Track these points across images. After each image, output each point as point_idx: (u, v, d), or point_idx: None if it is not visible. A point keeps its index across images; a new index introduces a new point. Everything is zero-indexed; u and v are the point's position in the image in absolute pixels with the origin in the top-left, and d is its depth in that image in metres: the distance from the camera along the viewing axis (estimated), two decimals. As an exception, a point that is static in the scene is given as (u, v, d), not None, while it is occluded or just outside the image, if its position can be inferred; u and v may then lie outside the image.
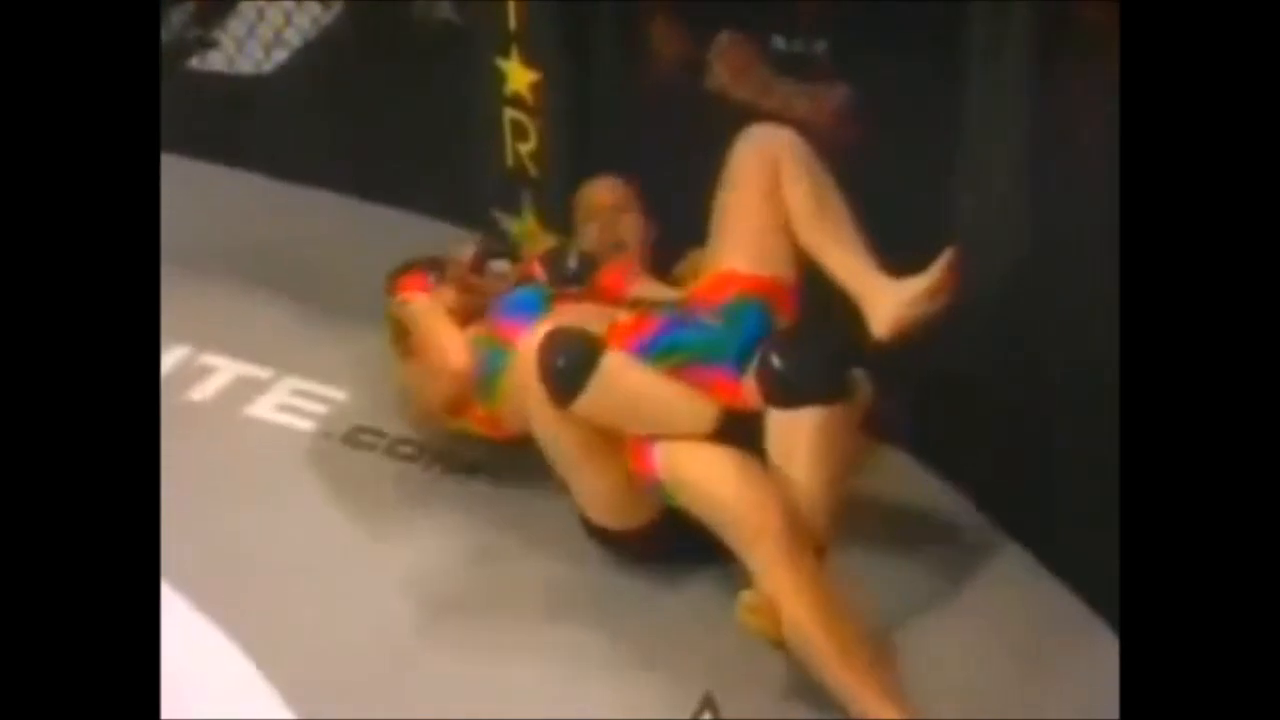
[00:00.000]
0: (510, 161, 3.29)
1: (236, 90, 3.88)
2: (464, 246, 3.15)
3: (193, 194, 3.52)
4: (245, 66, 3.92)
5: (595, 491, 2.73)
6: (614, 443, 2.67)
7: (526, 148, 3.25)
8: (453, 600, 2.78)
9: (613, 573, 2.78)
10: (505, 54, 3.18)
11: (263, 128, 3.76)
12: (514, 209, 3.35)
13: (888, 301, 2.62)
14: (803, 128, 2.87)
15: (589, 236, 3.08)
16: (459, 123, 3.31)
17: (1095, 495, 2.32)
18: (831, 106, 3.14)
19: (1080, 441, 2.61)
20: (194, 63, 3.98)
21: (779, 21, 3.17)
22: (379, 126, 3.57)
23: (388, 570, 2.83)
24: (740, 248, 2.81)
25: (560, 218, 3.26)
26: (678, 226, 3.05)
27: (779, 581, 2.49)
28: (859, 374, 2.68)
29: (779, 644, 2.51)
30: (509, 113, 3.23)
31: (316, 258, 3.46)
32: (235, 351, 3.27)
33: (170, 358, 3.22)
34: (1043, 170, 2.68)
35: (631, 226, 3.08)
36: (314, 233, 3.54)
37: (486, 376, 2.90)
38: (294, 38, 3.87)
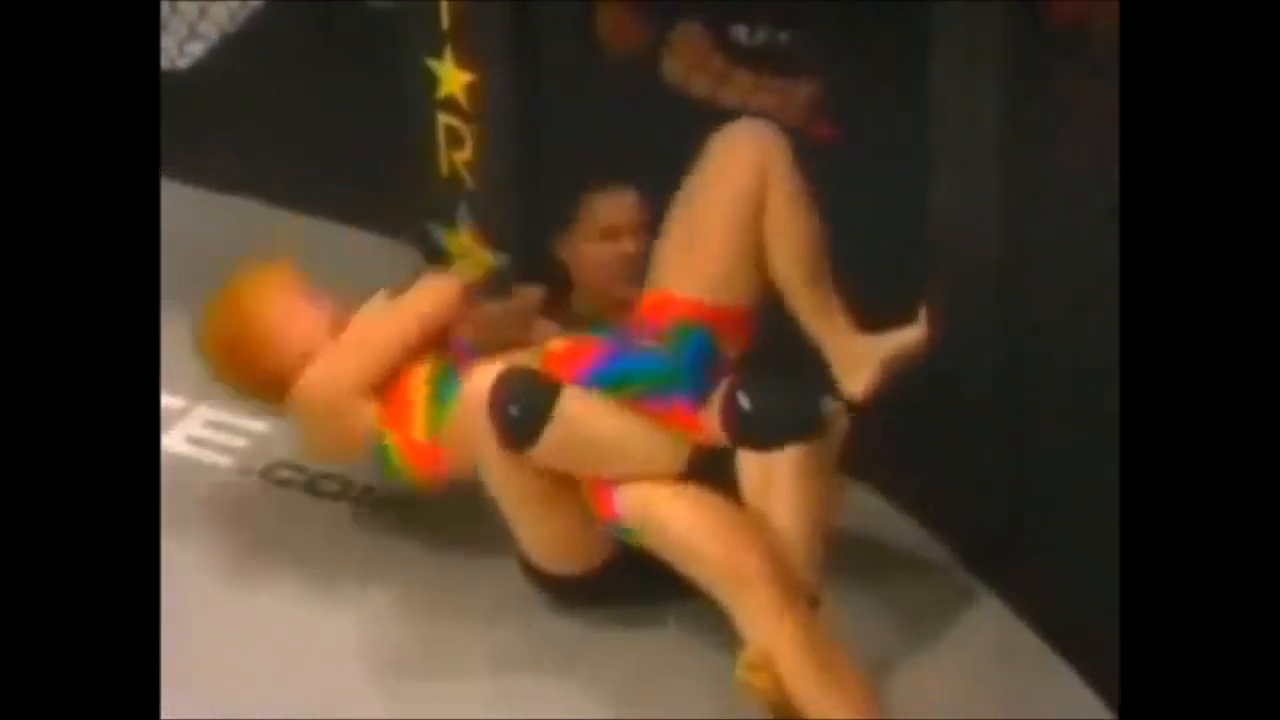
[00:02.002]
0: (445, 171, 3.13)
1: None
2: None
3: None
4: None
5: (546, 537, 2.58)
6: (569, 485, 2.53)
7: (462, 156, 3.09)
8: (387, 658, 2.62)
9: (560, 619, 2.63)
10: (438, 55, 3.02)
11: (175, 128, 3.50)
12: (448, 222, 3.17)
13: (862, 362, 2.56)
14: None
15: (596, 259, 2.80)
16: (389, 128, 3.14)
17: (1072, 539, 2.32)
18: (799, 101, 3.01)
19: (1063, 478, 2.55)
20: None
21: (739, 12, 3.06)
22: (303, 129, 3.42)
23: (314, 625, 2.67)
24: (695, 272, 2.68)
25: (500, 231, 3.11)
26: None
27: (773, 633, 2.36)
28: (833, 404, 2.54)
29: (783, 705, 2.34)
30: (442, 118, 3.07)
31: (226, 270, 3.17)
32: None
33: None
34: (1020, 167, 2.59)
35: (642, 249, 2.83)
36: (231, 245, 3.24)
37: (436, 403, 2.68)
38: (210, 31, 3.63)
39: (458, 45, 2.98)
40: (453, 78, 3.00)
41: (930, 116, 2.60)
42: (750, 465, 2.51)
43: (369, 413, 2.67)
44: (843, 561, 2.55)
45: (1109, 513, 1.84)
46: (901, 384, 2.61)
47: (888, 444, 2.70)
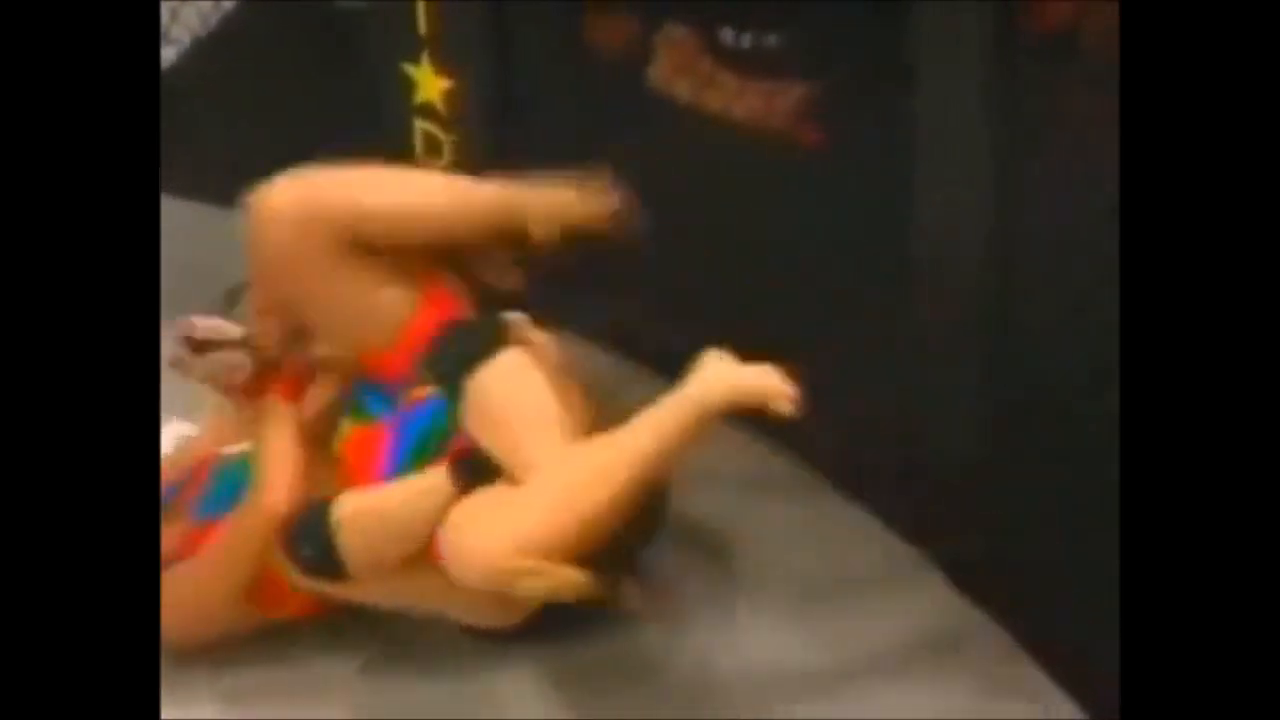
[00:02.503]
0: None
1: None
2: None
3: None
4: None
5: (458, 604, 2.40)
6: (426, 559, 2.34)
7: (439, 164, 3.01)
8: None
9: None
10: (414, 59, 2.93)
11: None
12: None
13: (555, 206, 2.47)
14: (753, 128, 2.76)
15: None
16: (365, 134, 3.00)
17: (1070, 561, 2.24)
18: (787, 106, 2.94)
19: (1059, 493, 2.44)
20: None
21: (728, 13, 2.99)
22: (276, 135, 3.30)
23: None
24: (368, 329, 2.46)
25: None
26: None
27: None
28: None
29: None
30: (420, 124, 3.00)
31: (203, 282, 2.99)
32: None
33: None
34: (1007, 175, 2.51)
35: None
36: (202, 254, 3.15)
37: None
38: (182, 35, 3.53)
39: (435, 50, 2.90)
40: (430, 83, 2.92)
41: (916, 123, 2.53)
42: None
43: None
44: (837, 583, 2.48)
45: (1107, 528, 1.77)
46: (890, 400, 2.52)
47: (883, 461, 2.63)
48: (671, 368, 2.85)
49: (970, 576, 2.56)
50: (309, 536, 2.33)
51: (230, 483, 2.50)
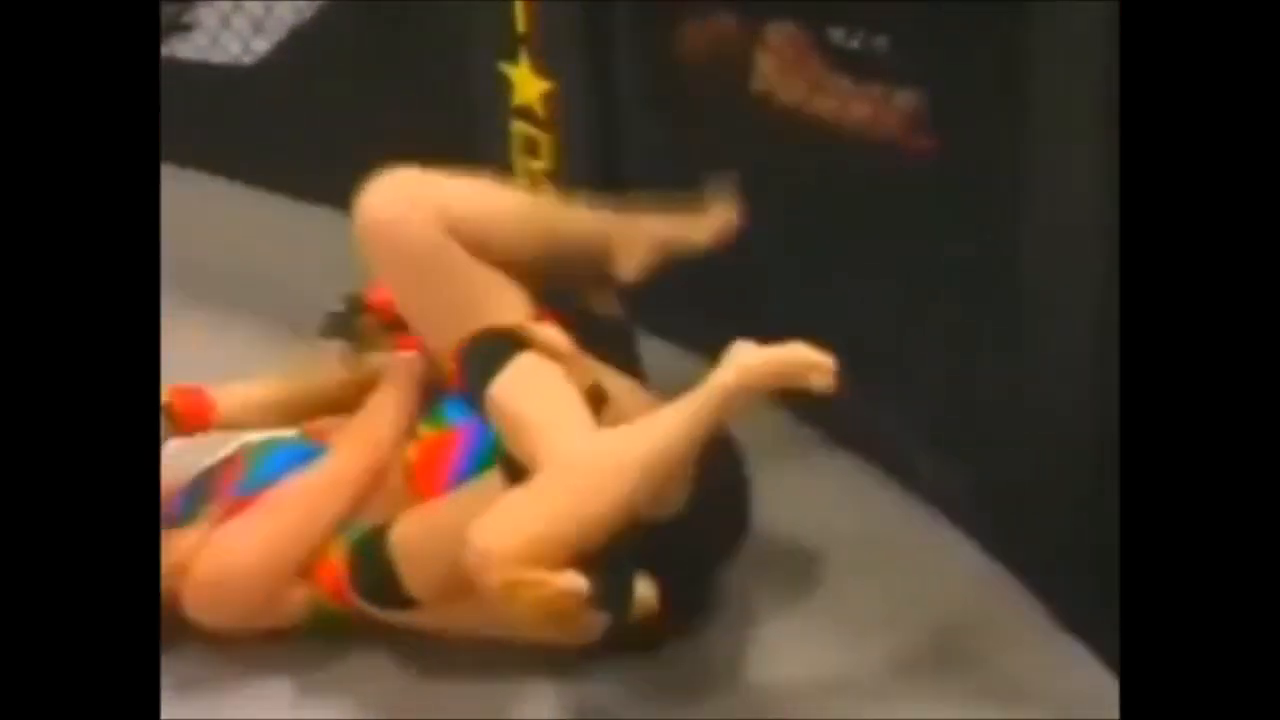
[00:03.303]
0: (522, 178, 2.96)
1: (212, 83, 3.48)
2: None
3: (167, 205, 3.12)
4: (222, 55, 3.54)
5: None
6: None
7: (538, 165, 2.91)
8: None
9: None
10: (512, 59, 2.84)
11: (239, 128, 3.37)
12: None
13: (638, 244, 2.42)
14: (862, 135, 2.69)
15: None
16: (461, 131, 2.93)
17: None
18: (899, 112, 2.83)
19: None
20: (166, 49, 3.62)
21: (838, 11, 2.89)
22: (373, 133, 3.20)
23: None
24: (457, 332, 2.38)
25: None
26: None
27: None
28: None
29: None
30: (518, 126, 2.90)
31: (295, 281, 3.08)
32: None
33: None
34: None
35: None
36: (297, 253, 3.18)
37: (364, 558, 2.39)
38: (277, 27, 3.50)
39: (533, 50, 2.82)
40: (528, 85, 2.84)
41: (1031, 129, 2.41)
42: None
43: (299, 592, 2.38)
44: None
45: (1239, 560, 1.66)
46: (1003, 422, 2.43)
47: (995, 484, 2.53)
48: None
49: (1077, 611, 2.46)
50: (368, 565, 2.29)
51: (271, 462, 2.46)
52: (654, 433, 2.18)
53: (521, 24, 2.78)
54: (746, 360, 2.23)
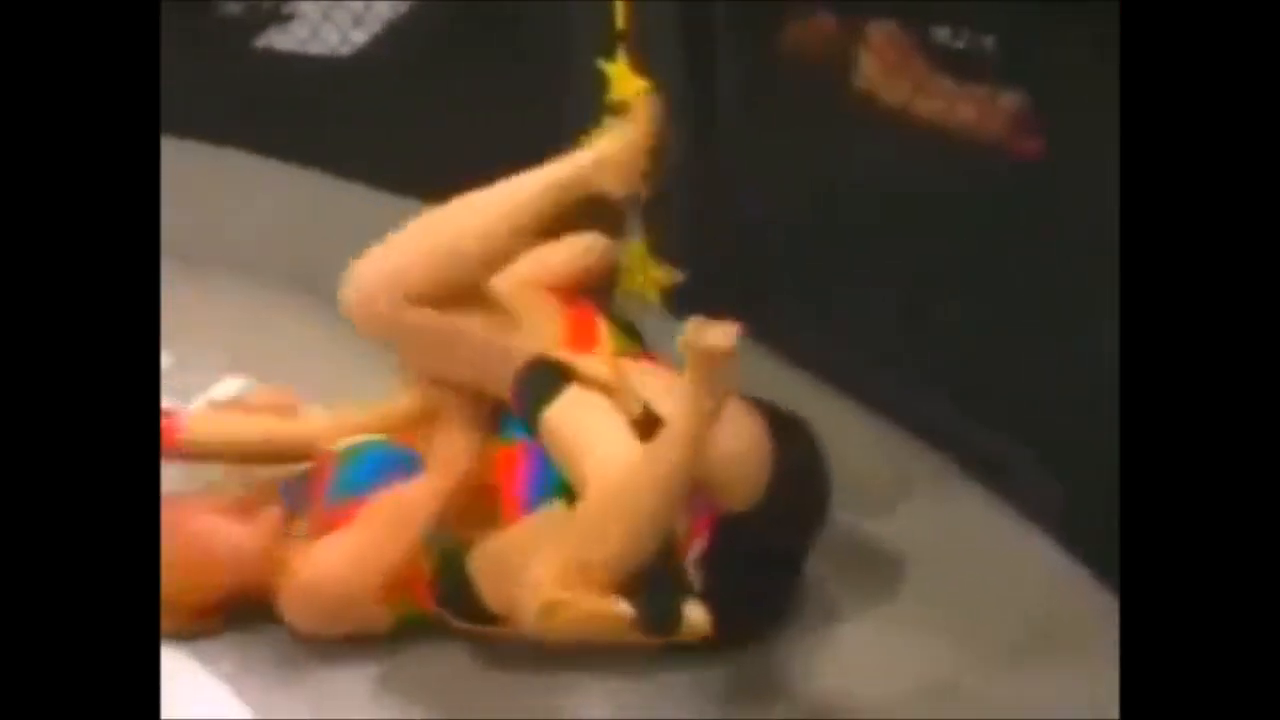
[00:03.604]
0: None
1: (308, 76, 3.47)
2: None
3: (252, 196, 3.12)
4: (320, 47, 3.53)
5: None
6: None
7: None
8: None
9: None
10: (609, 55, 2.79)
11: (335, 121, 3.36)
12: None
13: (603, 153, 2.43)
14: (967, 137, 2.65)
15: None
16: (557, 130, 2.88)
17: None
18: (1004, 113, 2.77)
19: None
20: (264, 40, 3.58)
21: (942, 10, 2.83)
22: (465, 128, 3.20)
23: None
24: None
25: (672, 245, 2.89)
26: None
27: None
28: None
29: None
30: (611, 122, 2.81)
31: None
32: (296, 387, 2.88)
33: (223, 390, 2.91)
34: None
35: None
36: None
37: (446, 574, 2.43)
38: (375, 20, 3.49)
39: (631, 47, 2.76)
40: (625, 81, 2.78)
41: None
42: None
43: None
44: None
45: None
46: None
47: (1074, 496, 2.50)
48: (861, 389, 2.75)
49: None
50: (451, 581, 2.31)
51: (359, 468, 2.47)
52: (670, 445, 2.18)
53: (620, 20, 2.75)
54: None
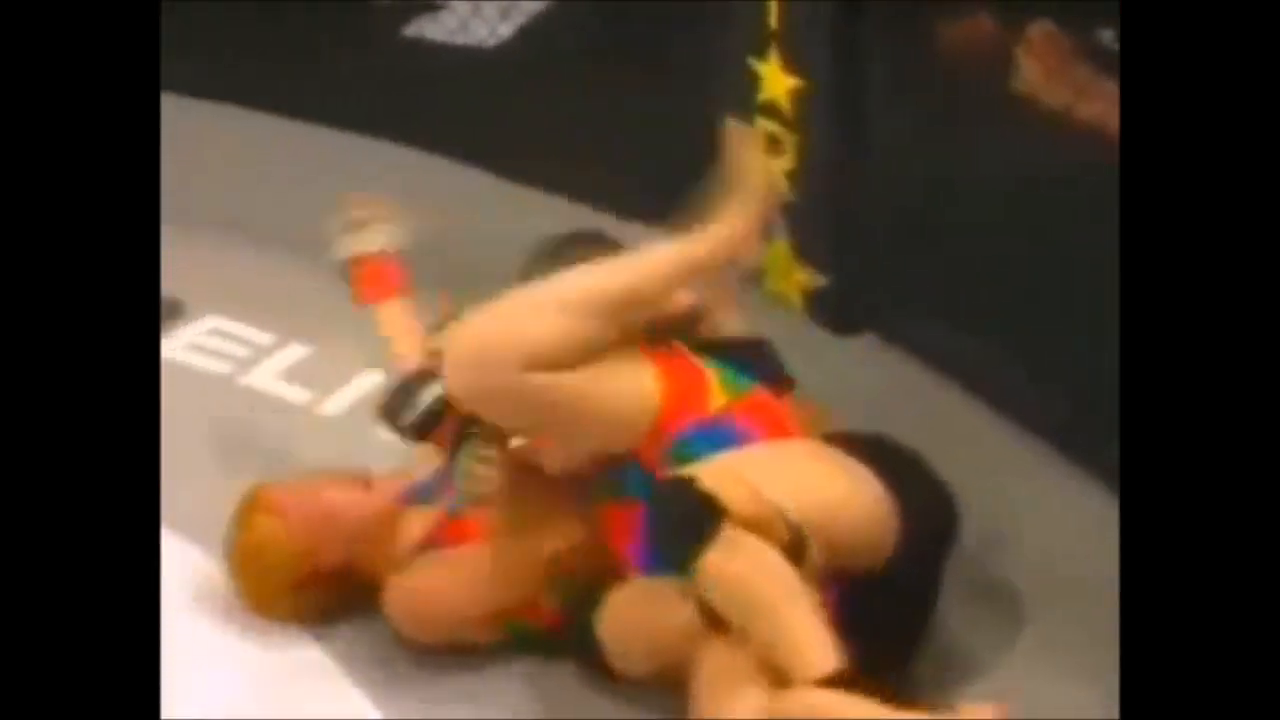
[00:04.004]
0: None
1: (453, 66, 3.45)
2: None
3: (399, 186, 3.09)
4: (467, 38, 3.50)
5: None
6: None
7: (781, 165, 2.79)
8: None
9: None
10: (761, 54, 2.74)
11: (480, 113, 3.33)
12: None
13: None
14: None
15: None
16: (705, 129, 2.81)
17: None
18: None
19: None
20: (413, 30, 3.57)
21: (1106, 11, 2.70)
22: (612, 124, 3.11)
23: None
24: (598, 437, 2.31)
25: (817, 250, 2.83)
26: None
27: None
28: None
29: None
30: (762, 123, 2.79)
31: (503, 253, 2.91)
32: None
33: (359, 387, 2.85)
34: None
35: None
36: (505, 228, 2.98)
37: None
38: (521, 15, 3.46)
39: (784, 46, 2.71)
40: (777, 81, 2.73)
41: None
42: None
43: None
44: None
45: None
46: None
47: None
48: (1005, 397, 2.67)
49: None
50: (585, 637, 2.26)
51: None
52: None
53: (774, 19, 2.69)
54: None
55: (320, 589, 2.39)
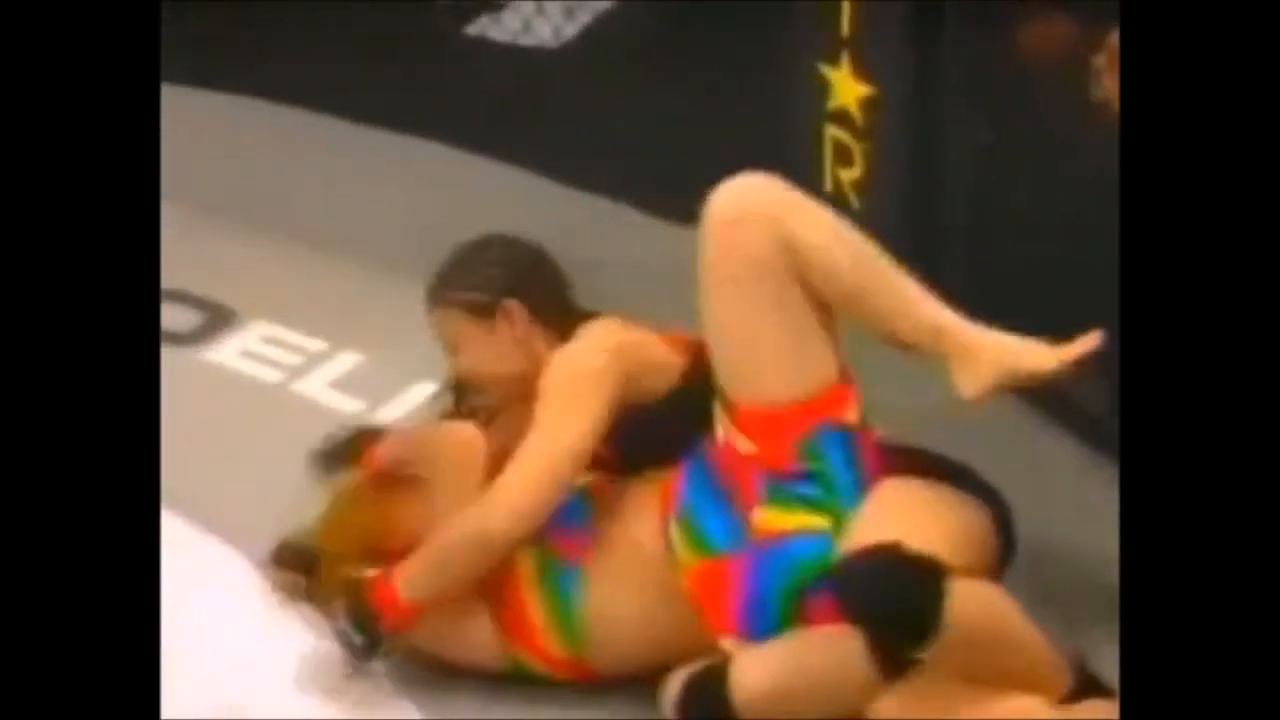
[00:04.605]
0: (828, 187, 2.80)
1: (516, 68, 3.40)
2: None
3: (459, 193, 3.05)
4: (530, 38, 3.47)
5: None
6: None
7: (849, 174, 2.77)
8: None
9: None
10: (833, 61, 2.70)
11: (543, 116, 3.28)
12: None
13: (983, 366, 2.18)
14: None
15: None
16: (772, 136, 2.77)
17: None
18: None
19: None
20: (474, 29, 3.54)
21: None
22: (677, 128, 3.05)
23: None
24: (772, 369, 2.21)
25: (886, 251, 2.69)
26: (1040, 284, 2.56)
27: None
28: None
29: None
30: (831, 130, 2.75)
31: (601, 279, 2.82)
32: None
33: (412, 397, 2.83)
34: None
35: None
36: (603, 251, 3.03)
37: (560, 615, 2.32)
38: (586, 16, 3.43)
39: (856, 53, 2.67)
40: (847, 88, 2.70)
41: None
42: None
43: (485, 619, 2.33)
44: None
45: None
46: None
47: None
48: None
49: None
50: (705, 708, 2.15)
51: (577, 510, 2.35)
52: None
53: (846, 25, 2.65)
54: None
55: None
